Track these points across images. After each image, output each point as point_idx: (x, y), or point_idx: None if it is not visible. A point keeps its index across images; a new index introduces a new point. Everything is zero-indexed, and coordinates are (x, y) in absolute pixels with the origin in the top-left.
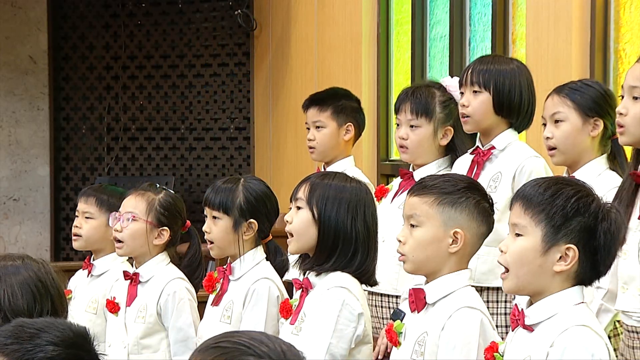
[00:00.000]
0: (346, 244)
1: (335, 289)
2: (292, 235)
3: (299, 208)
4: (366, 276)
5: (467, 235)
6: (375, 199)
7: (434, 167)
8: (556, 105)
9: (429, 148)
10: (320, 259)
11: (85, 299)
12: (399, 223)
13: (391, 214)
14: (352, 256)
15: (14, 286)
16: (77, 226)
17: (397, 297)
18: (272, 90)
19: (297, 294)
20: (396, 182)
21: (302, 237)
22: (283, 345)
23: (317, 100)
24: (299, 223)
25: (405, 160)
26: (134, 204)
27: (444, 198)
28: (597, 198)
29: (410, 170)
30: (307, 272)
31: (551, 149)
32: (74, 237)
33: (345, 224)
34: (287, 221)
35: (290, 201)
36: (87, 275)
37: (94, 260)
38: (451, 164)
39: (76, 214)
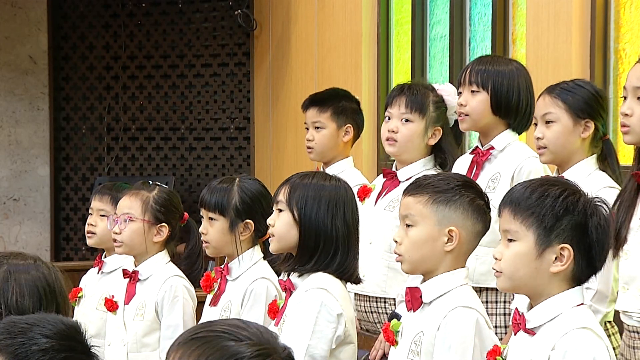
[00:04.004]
0: (327, 243)
1: (314, 290)
2: (274, 237)
3: (280, 210)
4: (347, 274)
5: (462, 234)
6: (355, 197)
7: (419, 167)
8: (547, 106)
9: (417, 145)
10: (302, 259)
11: (96, 297)
12: (385, 225)
13: (376, 215)
14: (332, 255)
15: (23, 285)
16: (91, 224)
17: (385, 299)
18: (272, 90)
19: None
20: (378, 182)
21: (283, 238)
22: (260, 327)
23: (317, 100)
24: (280, 226)
25: (391, 153)
26: (129, 205)
27: (438, 197)
28: (584, 194)
29: (394, 169)
30: (290, 273)
31: (541, 148)
32: (88, 235)
33: (325, 223)
34: (269, 224)
35: (272, 204)
36: (98, 272)
37: (105, 257)
38: (435, 165)
39: (90, 212)
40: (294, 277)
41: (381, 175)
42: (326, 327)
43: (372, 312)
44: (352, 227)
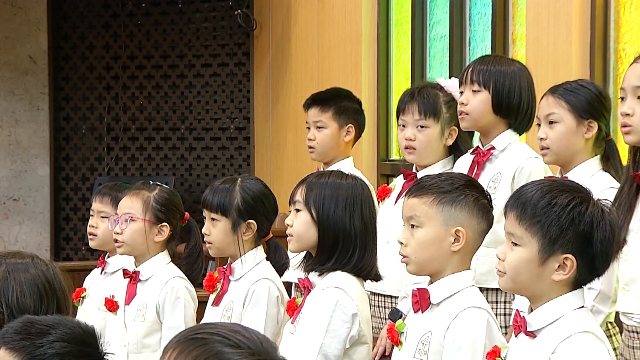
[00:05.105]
0: (345, 241)
1: (330, 290)
2: (292, 237)
3: (297, 210)
4: (365, 272)
5: (468, 233)
6: (372, 194)
7: (439, 168)
8: (551, 106)
9: (436, 148)
10: (322, 259)
11: (99, 297)
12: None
13: (395, 215)
14: (351, 254)
15: (23, 284)
16: (92, 225)
17: None
18: (272, 90)
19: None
20: (398, 182)
21: (302, 238)
22: (259, 335)
23: (319, 100)
24: (298, 225)
25: (411, 161)
26: (130, 205)
27: (443, 197)
28: (592, 202)
29: (414, 171)
30: (310, 272)
31: (544, 148)
32: (90, 237)
33: (343, 221)
34: (287, 224)
35: (289, 204)
36: (101, 273)
37: (108, 257)
38: (454, 165)
39: (91, 213)
40: (313, 275)
41: (401, 175)
42: (340, 326)
43: (386, 308)
44: (370, 224)
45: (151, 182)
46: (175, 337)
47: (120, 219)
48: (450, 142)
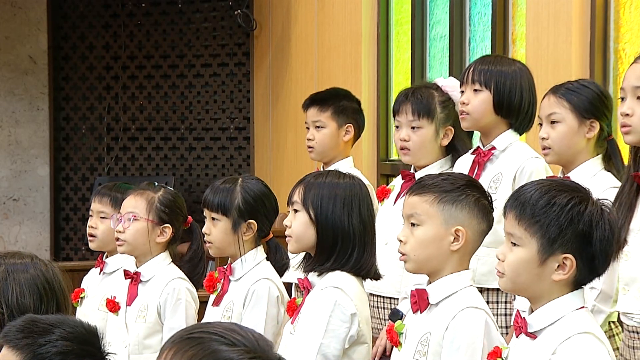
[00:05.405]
0: (344, 241)
1: (329, 289)
2: (291, 237)
3: (296, 211)
4: (365, 271)
5: (468, 233)
6: (370, 193)
7: (436, 168)
8: (552, 106)
9: (431, 149)
10: (321, 259)
11: (98, 298)
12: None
13: (394, 216)
14: (350, 253)
15: (22, 284)
16: (92, 226)
17: (399, 299)
18: (272, 90)
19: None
20: (397, 182)
21: (301, 239)
22: (255, 334)
23: (318, 100)
24: (297, 226)
25: (407, 162)
26: (134, 204)
27: (444, 196)
28: (591, 202)
29: (412, 171)
30: (309, 272)
31: (545, 148)
32: (89, 239)
33: (342, 220)
34: (286, 225)
35: (288, 205)
36: (99, 273)
37: (106, 258)
38: (452, 165)
39: (90, 213)
40: (312, 276)
41: (399, 176)
42: (339, 326)
43: (384, 309)
44: (368, 223)
45: (156, 183)
46: (171, 338)
47: (124, 217)
48: (445, 142)
